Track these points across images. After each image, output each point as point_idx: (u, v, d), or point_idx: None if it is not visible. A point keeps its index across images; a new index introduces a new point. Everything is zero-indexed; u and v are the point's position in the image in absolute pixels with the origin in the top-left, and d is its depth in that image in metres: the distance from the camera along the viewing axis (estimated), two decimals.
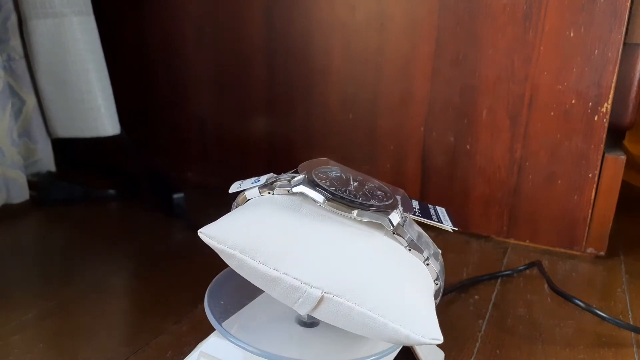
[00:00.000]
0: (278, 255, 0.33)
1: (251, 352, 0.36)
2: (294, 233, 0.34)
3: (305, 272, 0.32)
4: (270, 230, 0.34)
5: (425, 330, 0.31)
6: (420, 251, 0.36)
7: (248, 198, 0.37)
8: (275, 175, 0.40)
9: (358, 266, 0.32)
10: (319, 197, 0.35)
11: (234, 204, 0.38)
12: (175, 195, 0.81)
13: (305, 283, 0.32)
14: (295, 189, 0.36)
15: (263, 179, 0.38)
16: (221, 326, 0.38)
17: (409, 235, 0.36)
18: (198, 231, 0.34)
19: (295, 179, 0.37)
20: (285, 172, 0.41)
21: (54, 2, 0.79)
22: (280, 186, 0.37)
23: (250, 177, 0.46)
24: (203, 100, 0.91)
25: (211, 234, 0.34)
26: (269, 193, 0.37)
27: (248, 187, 0.37)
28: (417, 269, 0.35)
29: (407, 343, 0.31)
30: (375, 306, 0.31)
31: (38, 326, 0.52)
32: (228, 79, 0.88)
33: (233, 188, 0.38)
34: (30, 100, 0.85)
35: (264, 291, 0.44)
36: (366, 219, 0.35)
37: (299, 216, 0.35)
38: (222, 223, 0.35)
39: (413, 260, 0.35)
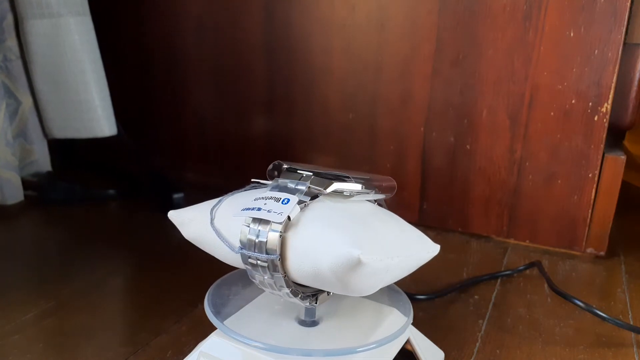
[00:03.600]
0: (377, 246, 0.36)
1: (254, 346, 0.36)
2: (358, 221, 0.37)
3: (381, 250, 0.36)
4: (359, 229, 0.36)
5: (429, 248, 0.41)
6: (384, 201, 0.44)
7: (292, 218, 0.37)
8: (275, 184, 0.39)
9: (386, 228, 0.39)
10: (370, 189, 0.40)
11: (279, 235, 0.36)
12: (175, 195, 0.81)
13: (388, 258, 0.36)
14: (334, 188, 0.39)
15: (286, 195, 0.38)
16: (222, 324, 0.38)
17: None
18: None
19: (317, 180, 0.39)
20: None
21: (50, 3, 0.78)
22: (306, 194, 0.38)
23: (247, 178, 0.45)
24: (203, 100, 0.91)
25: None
26: (305, 205, 0.38)
27: (287, 210, 0.37)
28: (391, 213, 0.43)
29: (422, 263, 0.40)
30: (408, 251, 0.38)
31: (38, 326, 0.52)
32: (228, 79, 0.88)
33: (274, 217, 0.36)
34: (27, 101, 0.85)
35: (263, 292, 0.44)
36: (372, 193, 0.42)
37: (344, 207, 0.39)
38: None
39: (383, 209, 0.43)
